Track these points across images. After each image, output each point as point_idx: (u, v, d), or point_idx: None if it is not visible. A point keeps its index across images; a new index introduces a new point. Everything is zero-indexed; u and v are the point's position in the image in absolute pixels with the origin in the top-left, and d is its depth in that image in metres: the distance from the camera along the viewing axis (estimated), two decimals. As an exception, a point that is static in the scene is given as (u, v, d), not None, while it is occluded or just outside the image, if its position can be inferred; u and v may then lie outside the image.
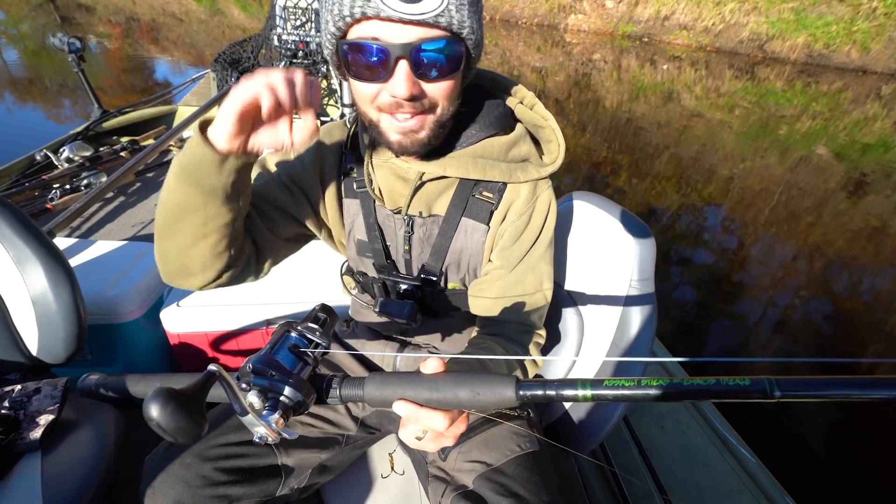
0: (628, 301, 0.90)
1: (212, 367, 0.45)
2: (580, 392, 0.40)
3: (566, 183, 5.03)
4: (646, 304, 0.89)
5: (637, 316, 0.88)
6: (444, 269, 0.82)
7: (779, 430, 2.16)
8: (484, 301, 0.82)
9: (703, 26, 13.58)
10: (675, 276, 3.48)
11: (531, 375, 0.81)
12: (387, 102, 0.62)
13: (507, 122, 0.77)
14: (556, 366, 1.04)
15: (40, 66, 7.53)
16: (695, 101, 8.57)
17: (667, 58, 12.24)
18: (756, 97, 8.98)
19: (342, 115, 3.33)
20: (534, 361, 0.81)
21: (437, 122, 0.66)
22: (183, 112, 3.40)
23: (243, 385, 0.46)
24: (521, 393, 0.43)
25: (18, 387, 0.96)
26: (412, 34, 0.56)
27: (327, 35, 0.61)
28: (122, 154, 2.68)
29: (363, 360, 0.98)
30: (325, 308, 0.55)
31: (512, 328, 0.81)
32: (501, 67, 10.27)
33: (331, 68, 0.69)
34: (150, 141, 2.88)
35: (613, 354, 0.91)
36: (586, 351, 0.99)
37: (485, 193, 0.77)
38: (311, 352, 0.50)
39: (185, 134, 3.04)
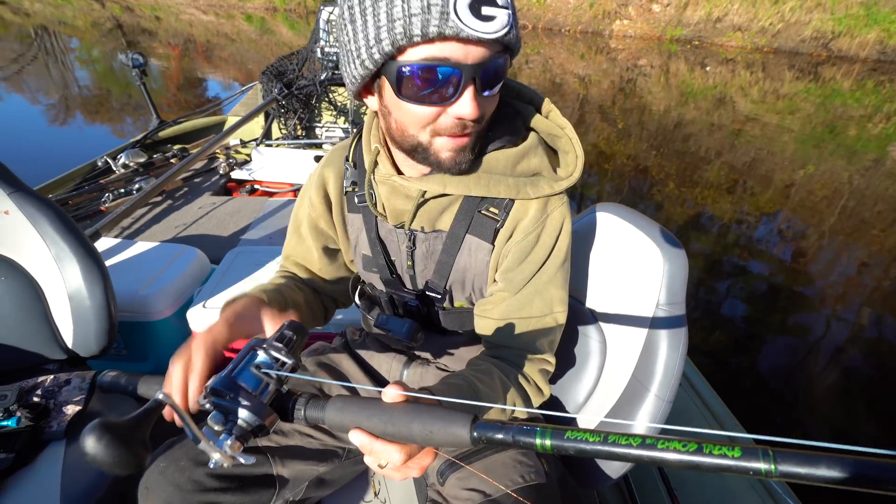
0: (654, 323, 0.81)
1: (159, 394, 0.43)
2: (538, 441, 0.37)
3: (608, 191, 4.86)
4: (675, 327, 0.80)
5: (664, 339, 0.80)
6: (448, 287, 0.78)
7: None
8: (487, 322, 0.77)
9: (759, 27, 12.89)
10: (723, 289, 3.25)
11: (536, 404, 0.74)
12: (449, 125, 0.58)
13: (519, 130, 0.71)
14: (575, 388, 0.95)
15: (108, 87, 8.22)
16: (751, 105, 8.10)
17: (719, 60, 11.68)
18: (820, 98, 8.38)
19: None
20: (540, 390, 0.74)
21: (481, 134, 0.64)
22: (231, 122, 3.58)
23: (207, 406, 0.44)
24: (475, 434, 0.40)
25: (51, 377, 1.01)
26: (481, 53, 0.53)
27: (372, 54, 0.54)
28: (173, 161, 2.83)
29: (371, 372, 0.94)
30: (292, 325, 0.51)
31: (515, 353, 0.75)
32: (543, 76, 10.17)
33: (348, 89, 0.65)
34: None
35: (638, 379, 0.83)
36: (608, 375, 0.91)
37: (491, 210, 0.72)
38: (274, 373, 0.47)
39: (231, 141, 3.20)
